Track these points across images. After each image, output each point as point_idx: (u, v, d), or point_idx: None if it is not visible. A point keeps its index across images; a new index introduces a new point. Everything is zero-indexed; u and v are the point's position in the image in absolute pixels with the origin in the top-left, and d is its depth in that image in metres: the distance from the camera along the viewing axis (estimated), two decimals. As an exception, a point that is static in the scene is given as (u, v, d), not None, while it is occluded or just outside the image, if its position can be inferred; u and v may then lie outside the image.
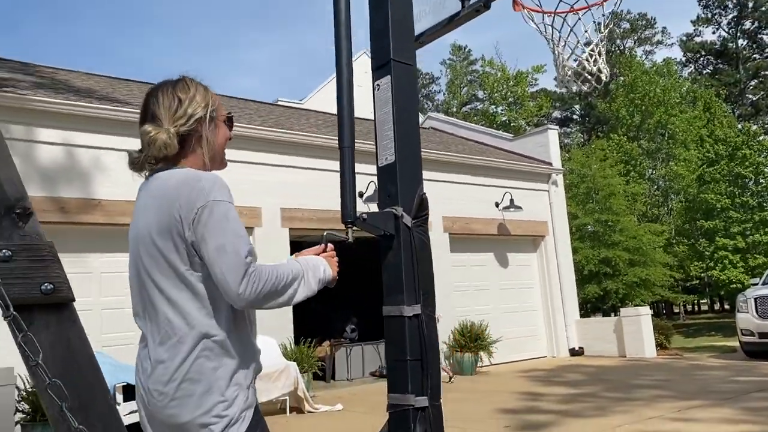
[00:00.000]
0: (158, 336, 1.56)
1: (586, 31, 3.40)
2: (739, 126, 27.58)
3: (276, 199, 9.79)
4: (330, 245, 1.86)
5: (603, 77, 3.40)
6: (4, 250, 1.04)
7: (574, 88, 3.48)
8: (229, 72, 69.82)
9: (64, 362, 1.07)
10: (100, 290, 8.23)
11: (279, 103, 16.52)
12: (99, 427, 1.09)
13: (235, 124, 1.94)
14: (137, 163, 1.70)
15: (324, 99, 16.90)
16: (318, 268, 1.73)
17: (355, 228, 2.04)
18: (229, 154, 1.87)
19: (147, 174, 1.72)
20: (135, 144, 6.57)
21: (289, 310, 9.48)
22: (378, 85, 2.21)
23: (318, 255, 1.83)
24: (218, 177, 1.62)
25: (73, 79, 10.71)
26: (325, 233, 1.92)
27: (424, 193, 2.13)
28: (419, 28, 2.70)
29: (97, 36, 67.55)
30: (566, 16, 3.42)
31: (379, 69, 2.23)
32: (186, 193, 1.54)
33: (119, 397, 6.74)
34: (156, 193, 1.62)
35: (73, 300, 1.10)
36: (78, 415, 1.08)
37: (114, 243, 8.43)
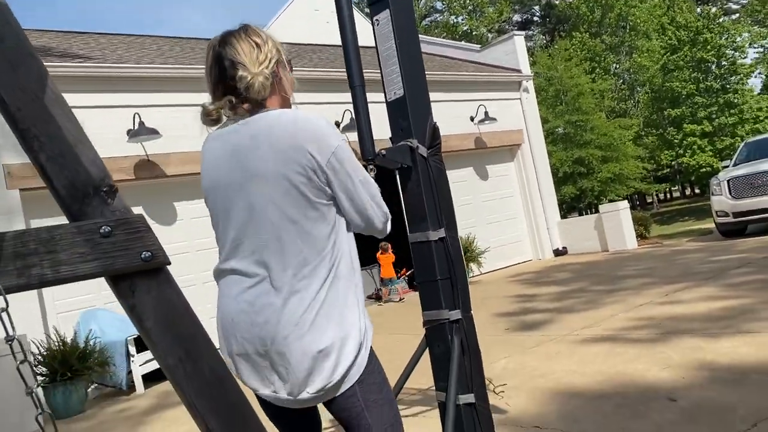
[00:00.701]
0: (289, 268, 1.59)
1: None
2: (699, 10, 27.54)
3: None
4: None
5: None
6: (104, 227, 1.14)
7: None
8: (179, 6, 66.96)
9: (168, 320, 1.20)
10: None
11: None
12: (206, 371, 1.23)
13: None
14: (212, 115, 1.72)
15: (289, 25, 16.38)
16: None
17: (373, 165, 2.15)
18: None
19: (229, 122, 1.72)
20: (104, 99, 6.59)
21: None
22: (377, 20, 2.26)
23: None
24: (327, 119, 1.71)
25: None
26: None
27: (435, 123, 2.23)
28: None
29: (33, -14, 63.94)
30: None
31: (376, 3, 2.27)
32: (313, 132, 1.62)
33: (132, 349, 6.96)
34: (272, 132, 1.63)
35: (169, 263, 1.21)
36: (187, 363, 1.21)
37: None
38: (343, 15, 2.14)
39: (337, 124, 10.53)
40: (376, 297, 11.54)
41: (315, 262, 1.60)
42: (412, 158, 2.16)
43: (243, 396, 1.29)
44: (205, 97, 1.77)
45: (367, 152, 2.10)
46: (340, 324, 1.61)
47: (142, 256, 1.17)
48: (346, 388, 1.63)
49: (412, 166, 2.17)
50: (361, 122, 2.11)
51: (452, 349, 2.10)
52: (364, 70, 2.13)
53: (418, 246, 2.19)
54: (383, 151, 2.12)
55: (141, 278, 1.18)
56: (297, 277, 1.59)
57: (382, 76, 2.26)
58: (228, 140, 1.69)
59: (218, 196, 1.70)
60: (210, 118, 1.72)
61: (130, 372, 7.02)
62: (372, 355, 1.70)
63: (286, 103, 1.77)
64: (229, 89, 1.68)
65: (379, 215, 1.73)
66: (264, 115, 1.67)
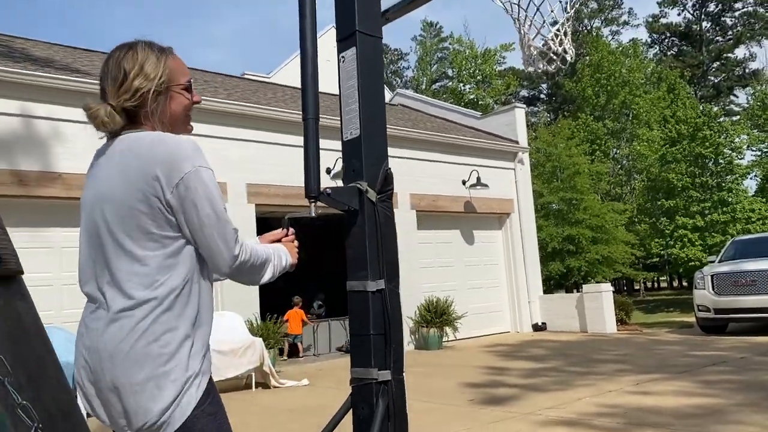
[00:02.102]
0: (118, 296, 1.52)
1: (552, 11, 3.40)
2: (701, 107, 28.10)
3: (242, 174, 9.67)
4: (291, 230, 1.88)
5: (568, 58, 3.41)
6: (-53, 221, 0.99)
7: (540, 68, 3.48)
8: (194, 45, 68.41)
9: (11, 336, 1.04)
10: (60, 265, 8.05)
11: (245, 76, 16.24)
12: (48, 400, 1.06)
13: (202, 97, 1.90)
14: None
15: (291, 73, 16.66)
16: (280, 255, 1.77)
17: (319, 203, 2.02)
18: (195, 128, 1.83)
19: (108, 137, 1.67)
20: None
21: (255, 286, 9.43)
22: (343, 57, 2.18)
23: (279, 240, 1.88)
24: (194, 142, 1.60)
25: (31, 48, 10.35)
26: (286, 217, 1.93)
27: (389, 168, 2.12)
28: (386, 3, 2.67)
29: (56, 5, 65.33)
30: (533, -6, 3.41)
31: (344, 40, 2.20)
32: (165, 155, 1.53)
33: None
34: (126, 153, 1.57)
35: (22, 273, 1.06)
36: (26, 389, 1.04)
37: (75, 217, 8.22)
38: (306, 45, 2.06)
39: (328, 171, 10.50)
40: (346, 350, 11.23)
41: (142, 294, 1.50)
42: (360, 201, 2.04)
43: (90, 436, 1.12)
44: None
45: (311, 189, 1.98)
46: (161, 361, 1.48)
47: (-10, 259, 1.02)
48: None
49: (359, 209, 2.04)
50: (309, 157, 2.00)
51: (376, 413, 1.92)
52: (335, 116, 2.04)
53: (354, 296, 2.05)
54: (328, 190, 2.00)
55: (-13, 285, 1.03)
56: (124, 305, 1.50)
57: (341, 114, 2.17)
58: (98, 158, 1.67)
59: (82, 215, 1.65)
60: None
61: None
62: (207, 399, 1.56)
63: (166, 129, 1.68)
64: None
65: (225, 255, 1.56)
66: (127, 136, 1.62)
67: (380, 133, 2.13)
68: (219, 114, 9.42)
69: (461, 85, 38.65)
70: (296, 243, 1.88)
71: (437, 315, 11.21)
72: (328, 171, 10.50)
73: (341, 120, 2.17)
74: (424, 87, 40.39)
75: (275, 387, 7.89)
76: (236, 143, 9.71)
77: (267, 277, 1.70)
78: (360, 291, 2.02)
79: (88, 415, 1.54)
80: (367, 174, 2.06)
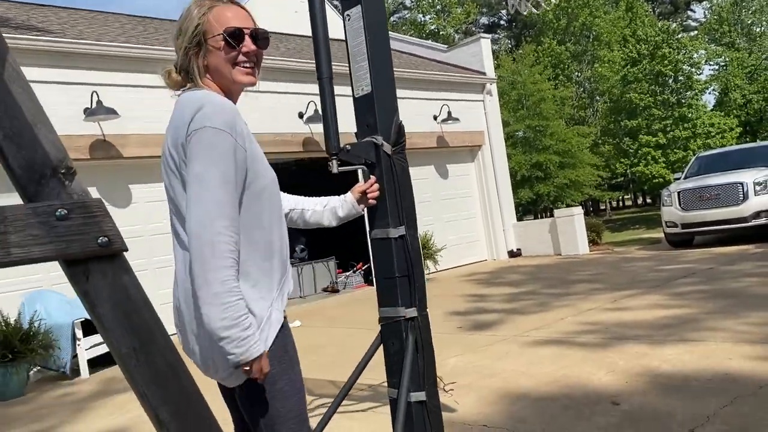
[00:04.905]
0: (177, 247, 1.62)
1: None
2: (659, 25, 28.26)
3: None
4: (372, 178, 2.12)
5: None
6: (60, 210, 1.11)
7: (525, 12, 3.55)
8: (139, -12, 65.25)
9: (123, 307, 1.18)
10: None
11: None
12: (159, 361, 1.21)
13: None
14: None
15: (256, 12, 16.20)
16: (241, 339, 1.49)
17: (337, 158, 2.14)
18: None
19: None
20: (61, 75, 6.46)
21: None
22: (348, 15, 2.26)
23: (365, 192, 2.12)
24: (230, 109, 1.60)
25: (-20, 6, 9.92)
26: (362, 169, 2.14)
27: (401, 121, 2.24)
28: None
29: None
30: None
31: (348, -1, 2.27)
32: (187, 118, 1.55)
33: (79, 333, 6.78)
34: (174, 113, 1.64)
35: (127, 250, 1.19)
36: (141, 353, 1.19)
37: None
38: (315, 6, 2.13)
39: (300, 116, 10.46)
40: (331, 290, 11.51)
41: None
42: (377, 155, 2.17)
43: (196, 387, 1.28)
44: None
45: (331, 146, 2.10)
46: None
47: (99, 241, 1.14)
48: (235, 384, 1.62)
49: (376, 162, 2.17)
50: (327, 116, 2.11)
51: (406, 347, 2.12)
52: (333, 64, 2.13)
53: (378, 242, 2.20)
54: (348, 146, 2.12)
55: (96, 263, 1.16)
56: (185, 256, 1.59)
57: (350, 71, 2.26)
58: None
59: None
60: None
61: (75, 356, 6.84)
62: (279, 344, 1.63)
63: (217, 86, 1.70)
64: None
65: (191, 221, 1.47)
66: (182, 95, 1.68)
67: (391, 88, 2.24)
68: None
69: (421, 15, 38.02)
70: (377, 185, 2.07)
71: (418, 249, 11.49)
72: (300, 115, 10.49)
73: (351, 77, 2.26)
74: (383, 20, 39.56)
75: (269, 330, 8.11)
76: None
77: (214, 309, 1.44)
78: (384, 238, 2.18)
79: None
80: (381, 128, 2.18)
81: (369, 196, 2.11)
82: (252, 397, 1.62)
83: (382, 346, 2.23)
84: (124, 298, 1.18)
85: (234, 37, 1.66)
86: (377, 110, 2.18)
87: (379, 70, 2.21)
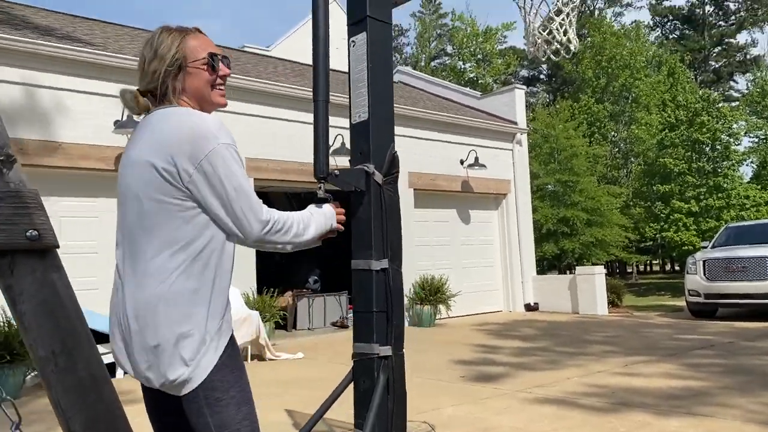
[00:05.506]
0: (138, 263, 1.63)
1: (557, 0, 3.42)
2: (700, 92, 28.07)
3: (242, 148, 9.61)
4: (336, 203, 2.01)
5: (572, 47, 3.45)
6: (-11, 197, 1.06)
7: (544, 57, 3.52)
8: (193, 15, 67.57)
9: (48, 307, 1.11)
10: (59, 235, 8.06)
11: (245, 49, 16.15)
12: (82, 368, 1.14)
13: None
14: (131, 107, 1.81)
15: (291, 47, 16.58)
16: (325, 215, 1.89)
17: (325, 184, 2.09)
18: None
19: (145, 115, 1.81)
20: (98, 86, 6.52)
21: (252, 260, 9.52)
22: (353, 41, 2.23)
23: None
24: (218, 120, 1.70)
25: (31, 16, 10.27)
26: (324, 194, 2.03)
27: (396, 152, 2.18)
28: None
29: (53, -32, 64.28)
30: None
31: (354, 25, 2.24)
32: (188, 132, 1.62)
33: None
34: (155, 126, 1.68)
35: (58, 246, 1.13)
36: (60, 357, 1.12)
37: (75, 187, 8.29)
38: (318, 28, 2.10)
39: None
40: (340, 325, 11.37)
41: (161, 260, 1.62)
42: (367, 183, 2.11)
43: (117, 402, 1.20)
44: None
45: (319, 170, 2.04)
46: (180, 321, 1.60)
47: (28, 234, 1.08)
48: (188, 391, 1.62)
49: (365, 191, 2.11)
50: (318, 138, 2.06)
51: (376, 386, 2.01)
52: (337, 93, 2.09)
53: (358, 274, 2.12)
54: (337, 171, 2.06)
55: (23, 257, 1.10)
56: (145, 270, 1.63)
57: (350, 97, 2.22)
58: (136, 131, 1.79)
59: (121, 177, 1.79)
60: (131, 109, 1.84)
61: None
62: (230, 354, 1.68)
63: (196, 105, 1.79)
64: None
65: (254, 225, 1.68)
66: (158, 111, 1.73)
67: (388, 117, 2.19)
68: (219, 87, 9.40)
69: (461, 63, 38.44)
70: (342, 210, 2.00)
71: (432, 293, 11.33)
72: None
73: (350, 103, 2.22)
74: (423, 64, 40.14)
75: (271, 360, 8.02)
76: (236, 117, 9.70)
77: (309, 235, 1.81)
78: (364, 269, 2.10)
79: (125, 373, 1.70)
80: (374, 156, 2.13)
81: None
82: (206, 404, 1.64)
83: (353, 383, 2.12)
84: (51, 297, 1.12)
85: (215, 61, 1.82)
86: (372, 138, 2.13)
87: (378, 98, 2.16)
